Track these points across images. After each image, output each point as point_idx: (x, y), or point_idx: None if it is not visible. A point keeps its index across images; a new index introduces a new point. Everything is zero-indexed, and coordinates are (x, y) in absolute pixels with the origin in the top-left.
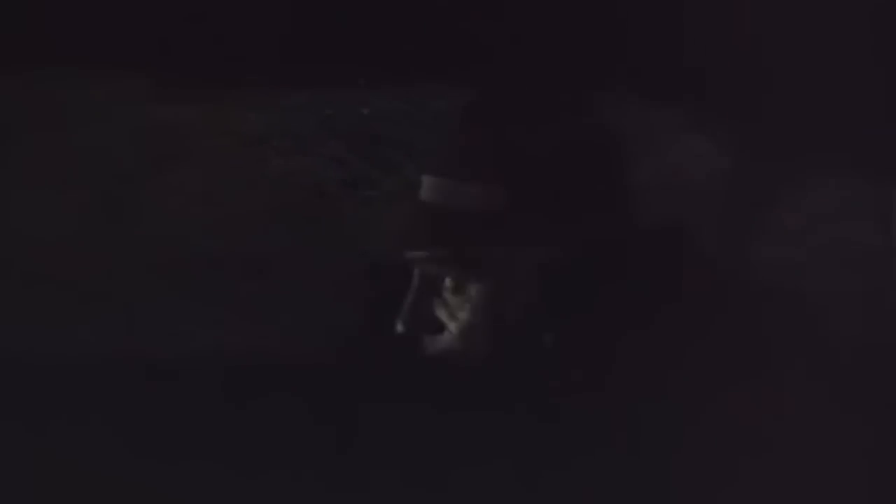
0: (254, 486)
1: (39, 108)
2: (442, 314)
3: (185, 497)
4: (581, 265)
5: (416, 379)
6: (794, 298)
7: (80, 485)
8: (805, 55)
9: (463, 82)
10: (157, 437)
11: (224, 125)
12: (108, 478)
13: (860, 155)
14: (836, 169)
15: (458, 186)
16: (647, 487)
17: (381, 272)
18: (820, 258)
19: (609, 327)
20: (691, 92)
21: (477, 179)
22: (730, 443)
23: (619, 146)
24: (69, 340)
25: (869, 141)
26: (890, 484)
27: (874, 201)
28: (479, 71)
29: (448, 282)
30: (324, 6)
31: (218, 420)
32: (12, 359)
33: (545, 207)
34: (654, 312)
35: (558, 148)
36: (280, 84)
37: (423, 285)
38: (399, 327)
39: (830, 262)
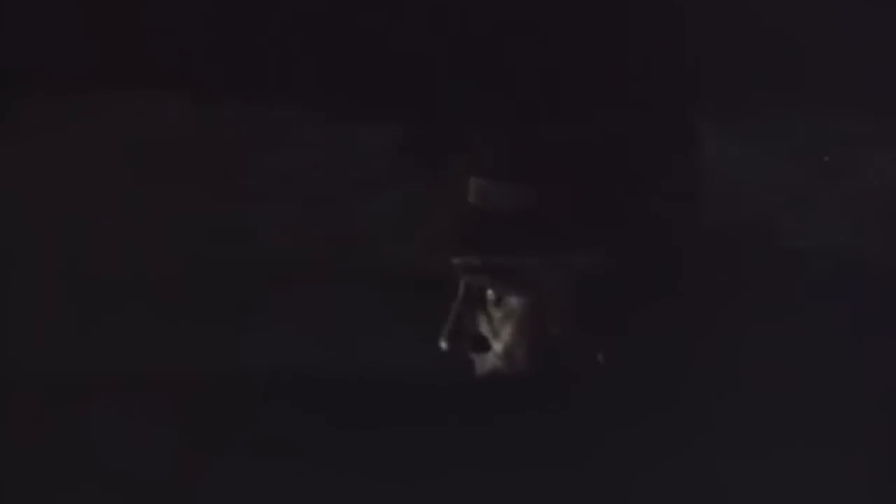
0: None
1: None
2: (486, 330)
3: None
4: (644, 275)
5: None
6: None
7: None
8: None
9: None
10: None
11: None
12: None
13: None
14: None
15: (509, 188)
16: None
17: None
18: None
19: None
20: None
21: (531, 181)
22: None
23: (683, 147)
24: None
25: None
26: None
27: None
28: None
29: (490, 294)
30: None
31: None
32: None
33: (601, 212)
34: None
35: (617, 147)
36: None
37: (469, 297)
38: (443, 344)
39: None
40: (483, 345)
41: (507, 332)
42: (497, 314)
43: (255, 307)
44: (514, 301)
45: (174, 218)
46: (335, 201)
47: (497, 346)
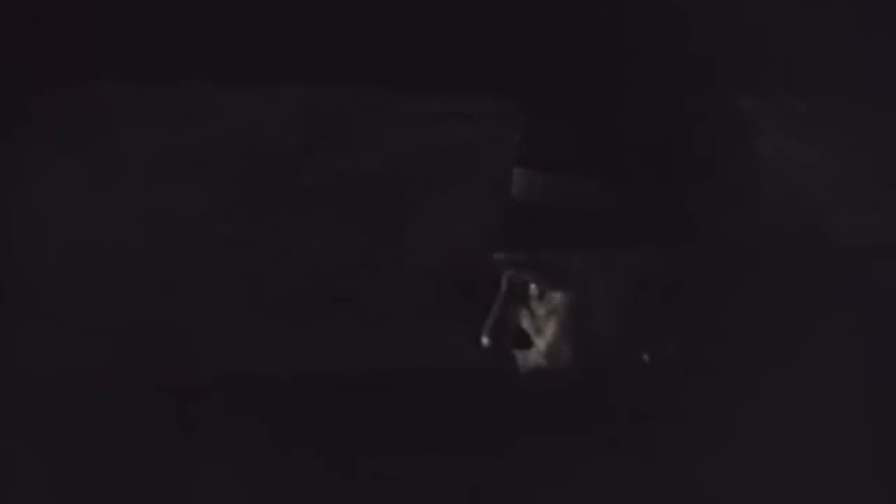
0: None
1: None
2: (528, 327)
3: None
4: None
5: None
6: None
7: None
8: None
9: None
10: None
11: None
12: None
13: None
14: None
15: (555, 180)
16: None
17: None
18: None
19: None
20: None
21: (576, 172)
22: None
23: (737, 143)
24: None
25: None
26: None
27: None
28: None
29: (533, 289)
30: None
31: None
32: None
33: (650, 208)
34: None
35: (670, 142)
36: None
37: (512, 293)
38: (485, 340)
39: None
40: (524, 340)
41: (550, 329)
42: (540, 310)
43: (300, 304)
44: (557, 297)
45: (229, 217)
46: (380, 198)
47: (540, 344)
